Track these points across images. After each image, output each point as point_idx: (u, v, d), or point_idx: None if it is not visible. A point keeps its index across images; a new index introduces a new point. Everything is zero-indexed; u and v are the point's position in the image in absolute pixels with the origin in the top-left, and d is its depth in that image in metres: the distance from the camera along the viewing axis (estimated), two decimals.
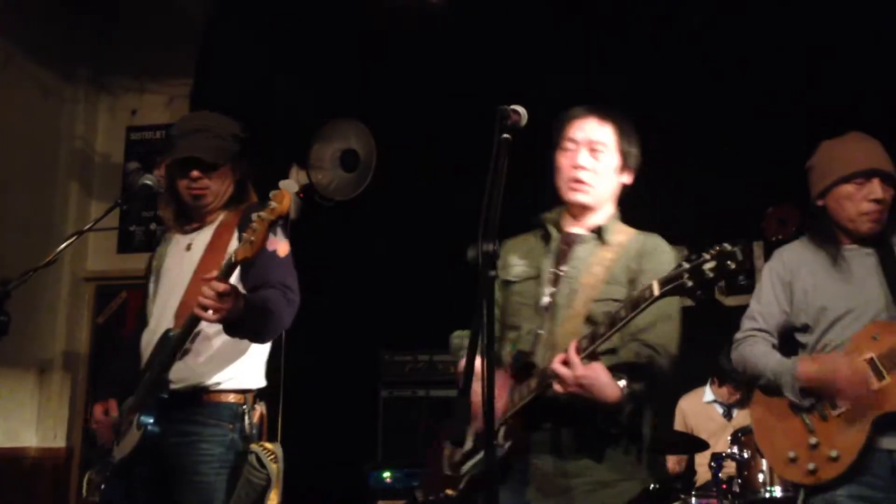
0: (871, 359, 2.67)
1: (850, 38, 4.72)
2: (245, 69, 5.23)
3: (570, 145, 2.53)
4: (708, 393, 5.38)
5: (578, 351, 2.21)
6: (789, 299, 2.90)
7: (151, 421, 2.66)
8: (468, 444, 2.45)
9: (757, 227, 5.68)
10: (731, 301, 5.86)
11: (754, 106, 5.21)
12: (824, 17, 4.71)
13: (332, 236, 5.59)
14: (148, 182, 2.82)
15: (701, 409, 5.34)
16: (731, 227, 5.65)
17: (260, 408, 2.86)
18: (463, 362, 2.35)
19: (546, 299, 2.44)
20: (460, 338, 2.64)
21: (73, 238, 3.05)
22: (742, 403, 5.28)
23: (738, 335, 2.98)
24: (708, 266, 2.04)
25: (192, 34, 5.46)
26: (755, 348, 2.90)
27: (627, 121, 2.58)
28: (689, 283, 2.06)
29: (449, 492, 2.46)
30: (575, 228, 2.56)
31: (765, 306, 2.94)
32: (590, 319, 2.37)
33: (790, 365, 2.79)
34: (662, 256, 2.48)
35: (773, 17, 4.79)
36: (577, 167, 2.50)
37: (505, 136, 2.19)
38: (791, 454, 2.77)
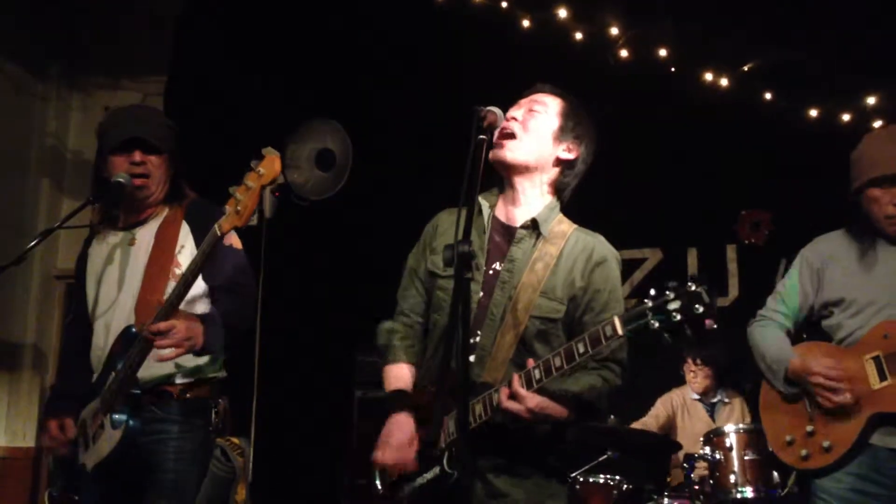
0: (878, 357, 2.71)
1: (829, 40, 4.76)
2: (219, 67, 5.20)
3: (513, 110, 2.39)
4: (690, 390, 5.42)
5: (529, 383, 2.11)
6: (816, 287, 2.92)
7: (123, 417, 2.63)
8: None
9: (730, 230, 5.72)
10: None
11: (729, 108, 5.24)
12: (802, 17, 4.75)
13: (308, 236, 5.56)
14: (121, 180, 2.79)
15: (691, 404, 5.38)
16: (704, 229, 5.70)
17: (223, 402, 2.85)
18: (391, 372, 2.35)
19: (473, 305, 2.26)
20: (389, 332, 2.45)
21: (44, 235, 3.01)
22: (718, 393, 5.32)
23: (760, 312, 3.03)
24: (673, 307, 1.93)
25: (165, 31, 5.42)
26: (766, 331, 2.95)
27: (583, 108, 2.42)
28: (655, 325, 1.95)
29: None
30: (511, 218, 2.39)
31: (789, 289, 2.97)
32: (524, 337, 2.26)
33: (786, 358, 2.85)
34: (612, 275, 2.34)
35: (754, 17, 4.82)
36: (508, 118, 2.33)
37: (481, 136, 2.17)
38: (788, 437, 2.84)
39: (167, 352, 2.51)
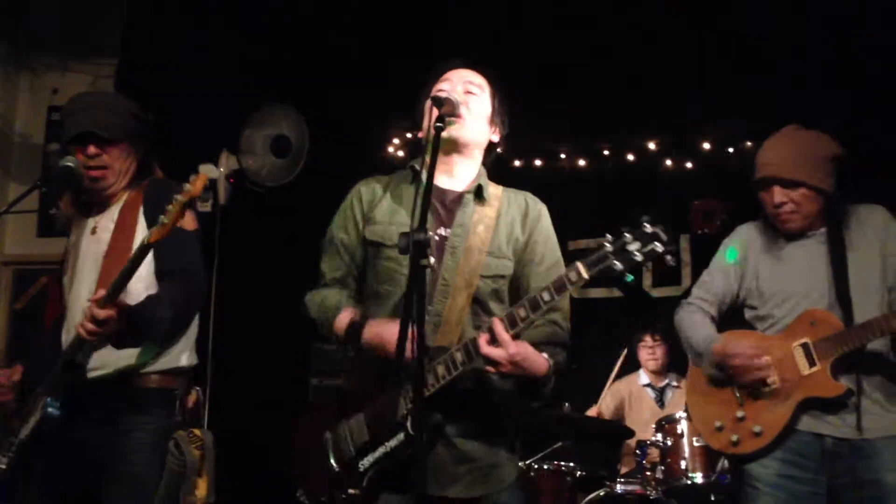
0: (806, 343, 2.79)
1: (785, 28, 4.83)
2: (172, 50, 5.10)
3: (444, 85, 2.42)
4: (642, 375, 5.50)
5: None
6: (739, 275, 3.01)
7: (52, 404, 2.61)
8: (362, 437, 2.27)
9: (683, 221, 5.79)
10: (657, 292, 5.99)
11: (682, 99, 5.30)
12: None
13: (263, 222, 5.51)
14: (69, 164, 2.73)
15: (637, 391, 5.46)
16: (658, 219, 5.76)
17: (196, 392, 2.81)
18: (341, 318, 2.36)
19: (428, 271, 2.24)
20: (321, 298, 2.47)
21: None
22: (668, 376, 5.41)
23: (686, 300, 3.12)
24: (633, 247, 2.01)
25: (117, 12, 5.31)
26: (692, 317, 3.03)
27: (501, 83, 2.49)
28: (619, 266, 2.02)
29: (352, 491, 2.24)
30: (448, 184, 2.44)
31: (712, 277, 3.08)
32: (477, 297, 2.32)
33: (712, 343, 2.92)
34: (546, 225, 2.46)
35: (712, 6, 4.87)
36: (441, 92, 2.37)
37: (438, 124, 2.18)
38: (718, 423, 2.89)
39: (87, 335, 2.48)
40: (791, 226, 2.90)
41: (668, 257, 2.01)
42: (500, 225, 2.40)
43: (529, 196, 2.50)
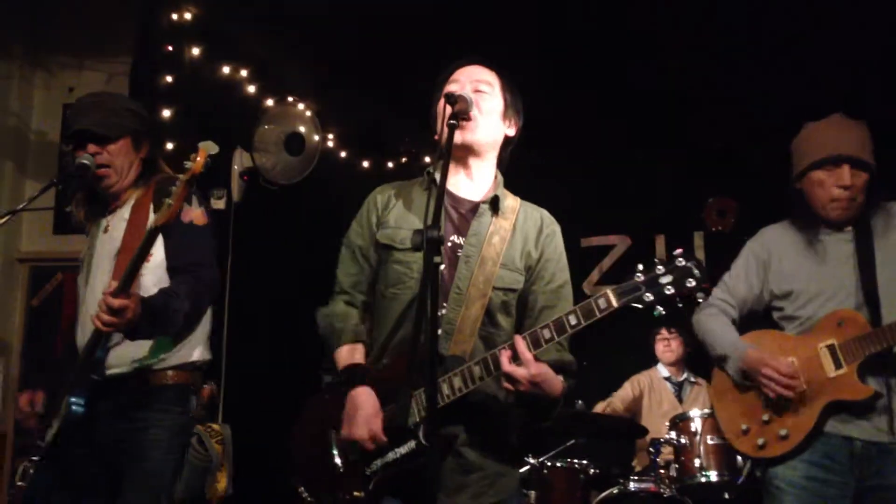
0: (832, 345, 2.74)
1: (793, 29, 4.81)
2: (185, 48, 5.12)
3: (453, 86, 2.39)
4: (661, 369, 5.49)
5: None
6: (762, 278, 2.95)
7: (76, 401, 2.61)
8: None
9: (697, 218, 5.78)
10: None
11: (697, 97, 5.28)
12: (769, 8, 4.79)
13: (277, 219, 5.53)
14: (85, 161, 2.74)
15: (658, 384, 5.46)
16: (672, 216, 5.75)
17: (210, 386, 2.82)
18: (343, 352, 2.33)
19: (440, 277, 2.23)
20: (330, 317, 2.44)
21: (6, 217, 2.95)
22: (686, 371, 5.41)
23: (707, 300, 3.05)
24: (665, 280, 2.02)
25: (132, 11, 5.34)
26: (715, 320, 2.98)
27: (512, 77, 2.47)
28: (649, 297, 2.04)
29: (356, 493, 2.19)
30: (464, 192, 2.42)
31: (734, 279, 3.01)
32: (488, 308, 2.29)
33: (740, 348, 2.87)
34: (559, 245, 2.44)
35: (720, 7, 4.85)
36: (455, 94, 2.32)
37: (451, 122, 2.18)
38: (744, 426, 2.85)
39: (102, 325, 2.46)
40: (845, 214, 2.81)
41: (700, 294, 2.04)
42: (516, 238, 2.38)
43: (545, 213, 2.48)
